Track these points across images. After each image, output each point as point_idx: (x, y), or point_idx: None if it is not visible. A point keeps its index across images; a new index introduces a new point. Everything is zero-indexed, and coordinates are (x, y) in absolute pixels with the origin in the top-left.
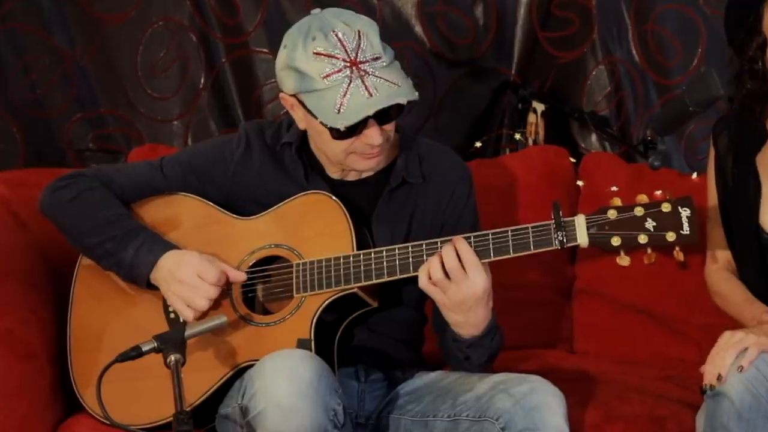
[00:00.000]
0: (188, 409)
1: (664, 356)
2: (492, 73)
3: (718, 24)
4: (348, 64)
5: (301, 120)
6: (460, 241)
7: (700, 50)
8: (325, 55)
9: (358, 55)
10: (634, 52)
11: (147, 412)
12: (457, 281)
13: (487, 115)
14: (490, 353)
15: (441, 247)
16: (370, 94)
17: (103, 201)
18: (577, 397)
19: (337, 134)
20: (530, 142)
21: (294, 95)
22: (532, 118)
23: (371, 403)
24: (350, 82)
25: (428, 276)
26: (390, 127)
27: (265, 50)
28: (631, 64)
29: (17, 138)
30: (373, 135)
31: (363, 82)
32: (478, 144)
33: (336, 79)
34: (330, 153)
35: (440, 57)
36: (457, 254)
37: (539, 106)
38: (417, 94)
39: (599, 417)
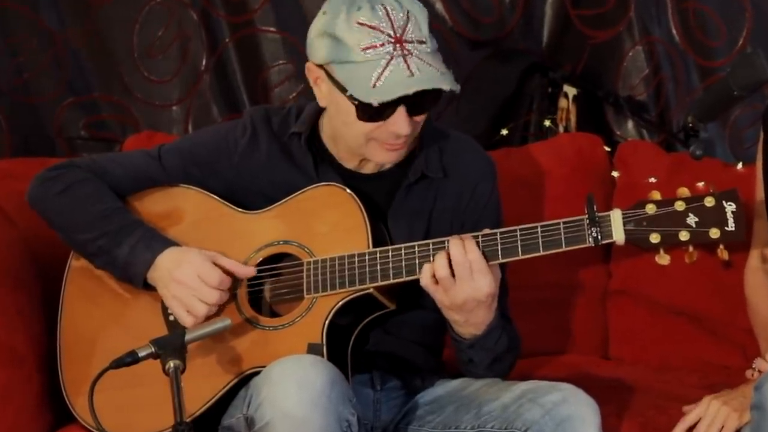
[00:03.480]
0: (189, 420)
1: (706, 363)
2: (519, 55)
3: (766, 1)
4: (392, 40)
5: (324, 96)
6: (469, 240)
7: (746, 29)
8: (369, 27)
9: (405, 33)
10: (674, 31)
11: (144, 423)
12: (461, 281)
13: (514, 100)
14: (494, 356)
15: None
16: (412, 74)
17: (96, 193)
18: (612, 407)
19: (364, 113)
20: (561, 129)
21: (323, 66)
22: (563, 103)
23: (388, 413)
24: (391, 58)
25: (432, 273)
26: (420, 119)
27: (272, 29)
28: (670, 44)
29: (3, 125)
30: (401, 123)
31: (405, 60)
32: (504, 131)
33: (377, 53)
34: (350, 137)
35: (463, 37)
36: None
37: (571, 91)
38: (459, 86)
39: (636, 428)
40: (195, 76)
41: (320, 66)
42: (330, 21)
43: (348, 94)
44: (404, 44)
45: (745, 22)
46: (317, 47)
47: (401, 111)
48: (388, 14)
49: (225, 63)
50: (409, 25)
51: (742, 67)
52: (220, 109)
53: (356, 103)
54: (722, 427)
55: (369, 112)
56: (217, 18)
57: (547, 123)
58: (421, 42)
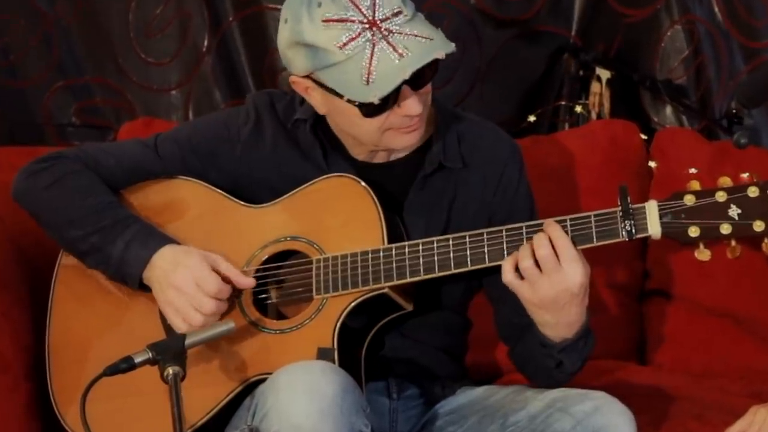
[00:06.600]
0: None
1: (751, 369)
2: (548, 35)
3: None
4: (366, 26)
5: (320, 104)
6: (552, 227)
7: None
8: (337, 21)
9: (376, 12)
10: (715, 9)
11: None
12: (549, 273)
13: (543, 83)
14: (583, 359)
15: (486, 238)
16: (401, 55)
17: (88, 187)
18: (649, 417)
19: (369, 110)
20: (593, 115)
21: (308, 76)
22: (595, 87)
23: (405, 424)
24: (374, 46)
25: (514, 266)
26: (427, 89)
27: (279, 6)
28: (712, 23)
29: None
30: (412, 104)
31: (389, 43)
32: (531, 118)
33: (356, 45)
34: (362, 134)
35: (487, 16)
36: (551, 242)
37: (604, 74)
38: (453, 45)
39: None
40: (196, 57)
41: (305, 76)
42: (295, 28)
43: (345, 98)
44: (380, 25)
45: None
46: (293, 59)
47: (407, 92)
48: None
49: (228, 43)
50: (377, 1)
51: None
52: (223, 93)
53: (357, 103)
54: None
55: (374, 107)
56: None
57: (579, 109)
58: (397, 13)
